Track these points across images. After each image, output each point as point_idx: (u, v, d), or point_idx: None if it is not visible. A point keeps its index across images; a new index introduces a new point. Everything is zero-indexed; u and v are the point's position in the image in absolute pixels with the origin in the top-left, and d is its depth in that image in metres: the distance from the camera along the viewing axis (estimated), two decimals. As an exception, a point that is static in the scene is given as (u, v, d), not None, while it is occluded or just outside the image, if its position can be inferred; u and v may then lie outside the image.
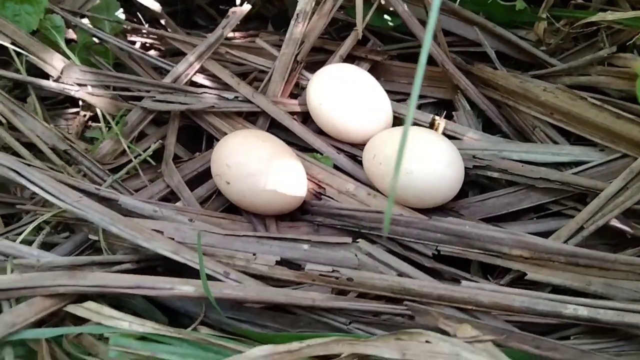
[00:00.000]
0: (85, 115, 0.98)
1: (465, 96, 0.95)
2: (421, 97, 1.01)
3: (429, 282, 0.70)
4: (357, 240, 0.75)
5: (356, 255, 0.73)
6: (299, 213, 0.87)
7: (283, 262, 0.73)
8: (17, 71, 0.89)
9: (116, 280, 0.65)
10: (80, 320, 0.66)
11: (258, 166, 0.81)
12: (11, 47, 0.87)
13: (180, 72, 0.94)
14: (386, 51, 1.01)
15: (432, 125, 0.92)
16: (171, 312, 0.72)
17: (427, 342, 0.53)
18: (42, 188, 0.70)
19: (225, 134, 0.93)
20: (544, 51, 0.96)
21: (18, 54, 0.88)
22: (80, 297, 0.66)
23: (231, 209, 0.89)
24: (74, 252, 0.77)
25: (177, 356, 0.55)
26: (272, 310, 0.71)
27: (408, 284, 0.67)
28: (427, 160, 0.79)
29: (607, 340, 0.66)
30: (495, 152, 0.88)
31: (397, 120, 0.93)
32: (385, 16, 1.00)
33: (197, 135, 1.00)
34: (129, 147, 0.91)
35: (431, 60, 0.98)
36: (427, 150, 0.80)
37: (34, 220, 0.75)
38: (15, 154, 0.82)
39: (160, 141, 0.89)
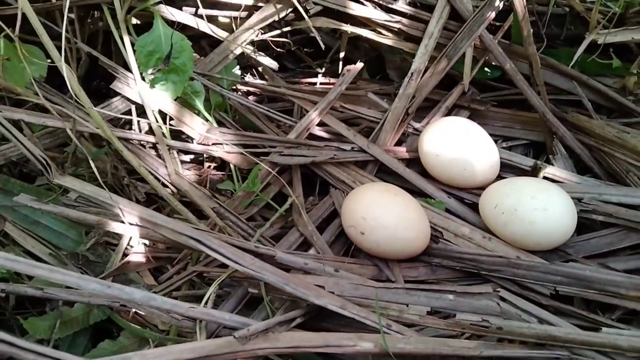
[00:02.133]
0: (209, 167, 1.06)
1: (561, 141, 1.05)
2: (513, 139, 1.11)
3: (572, 329, 0.79)
4: (498, 290, 0.84)
5: (499, 304, 0.83)
6: (415, 254, 0.96)
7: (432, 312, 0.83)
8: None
9: (305, 340, 0.74)
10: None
11: (393, 219, 0.90)
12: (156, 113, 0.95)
13: (303, 127, 1.03)
14: (486, 100, 1.10)
15: (534, 169, 1.01)
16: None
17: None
18: (222, 254, 0.79)
19: (341, 180, 1.02)
20: (632, 100, 1.06)
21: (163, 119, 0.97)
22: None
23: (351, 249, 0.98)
24: (238, 306, 0.86)
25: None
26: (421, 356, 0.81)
27: (554, 332, 0.76)
28: (548, 212, 0.89)
29: None
30: (596, 195, 0.97)
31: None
32: (486, 69, 1.09)
33: (308, 180, 1.08)
34: (258, 196, 1.00)
35: (525, 106, 1.08)
36: (548, 202, 0.89)
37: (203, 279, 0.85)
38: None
39: (294, 197, 0.97)
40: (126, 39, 0.87)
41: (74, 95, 0.76)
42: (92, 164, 0.86)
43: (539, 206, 0.89)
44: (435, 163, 1.00)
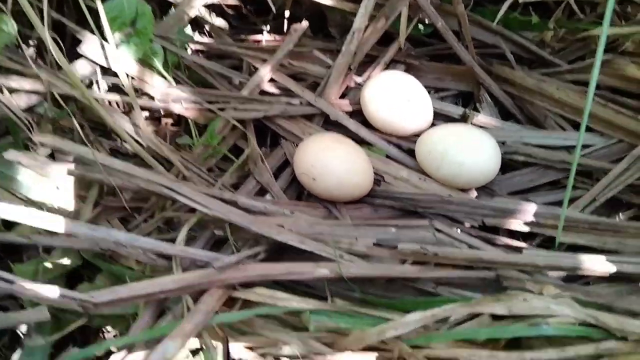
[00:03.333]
0: (166, 124, 1.14)
1: (487, 91, 1.17)
2: (445, 89, 1.23)
3: (497, 252, 0.93)
4: (433, 222, 0.97)
5: (434, 235, 0.95)
6: (359, 196, 1.08)
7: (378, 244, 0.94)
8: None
9: (270, 269, 0.85)
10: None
11: (341, 166, 1.00)
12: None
13: (255, 84, 1.12)
14: (420, 56, 1.21)
15: (463, 117, 1.14)
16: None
17: (524, 300, 0.77)
18: (195, 201, 0.88)
19: (290, 132, 1.12)
20: (549, 52, 1.19)
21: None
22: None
23: (302, 194, 1.09)
24: (206, 246, 0.95)
25: (355, 324, 0.77)
26: (369, 280, 0.93)
27: (481, 255, 0.90)
28: (475, 154, 1.01)
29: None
30: (518, 139, 1.10)
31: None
32: (420, 26, 1.20)
33: (259, 132, 1.17)
34: (215, 149, 1.09)
35: (455, 60, 1.20)
36: (475, 145, 1.02)
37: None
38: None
39: (254, 146, 1.06)
40: (100, 8, 0.93)
41: (63, 67, 0.81)
42: (77, 125, 0.92)
43: (466, 148, 1.01)
44: (375, 114, 1.10)
